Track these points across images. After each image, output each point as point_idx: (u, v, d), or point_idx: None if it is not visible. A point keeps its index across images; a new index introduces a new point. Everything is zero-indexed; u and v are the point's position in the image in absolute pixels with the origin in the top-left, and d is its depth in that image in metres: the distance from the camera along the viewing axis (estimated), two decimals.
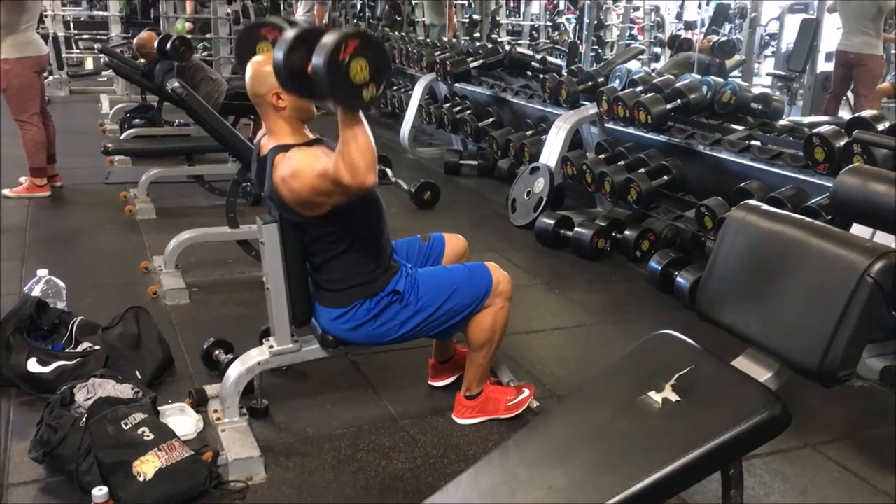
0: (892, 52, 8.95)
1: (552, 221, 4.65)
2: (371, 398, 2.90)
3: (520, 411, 2.73)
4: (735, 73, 8.44)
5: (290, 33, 2.16)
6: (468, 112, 6.53)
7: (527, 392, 2.77)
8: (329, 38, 2.01)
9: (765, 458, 2.55)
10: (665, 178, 4.44)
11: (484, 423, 2.71)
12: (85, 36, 11.65)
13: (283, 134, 2.39)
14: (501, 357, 2.87)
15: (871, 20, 6.91)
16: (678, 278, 3.79)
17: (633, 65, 6.93)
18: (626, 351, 2.08)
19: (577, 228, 4.56)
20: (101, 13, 11.97)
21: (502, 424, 2.70)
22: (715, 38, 8.90)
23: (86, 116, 8.27)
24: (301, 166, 2.26)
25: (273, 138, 2.41)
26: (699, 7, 14.35)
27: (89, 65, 11.19)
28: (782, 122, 4.58)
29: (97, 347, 2.89)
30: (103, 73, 10.14)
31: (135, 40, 6.48)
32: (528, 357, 3.26)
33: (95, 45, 8.80)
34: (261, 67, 2.40)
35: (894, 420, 2.88)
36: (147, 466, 2.18)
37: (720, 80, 4.83)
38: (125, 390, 2.50)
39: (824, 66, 8.08)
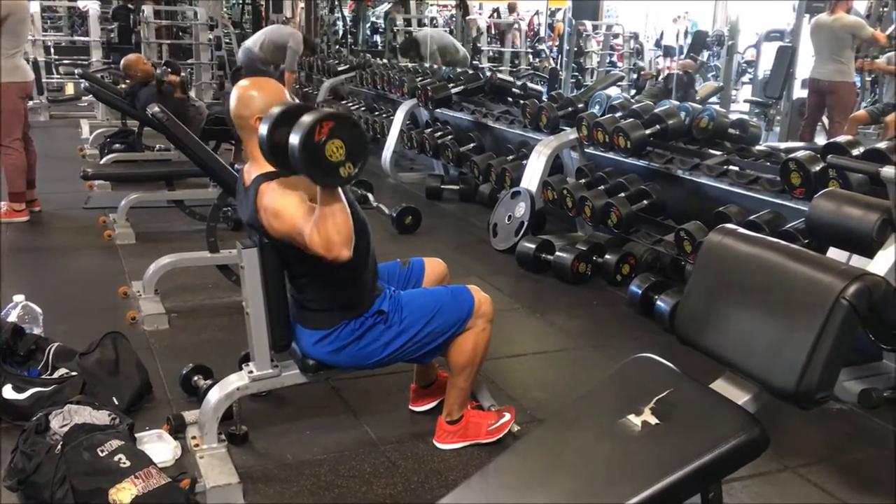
0: (867, 79, 9.12)
1: (533, 246, 4.67)
2: (352, 423, 2.89)
3: (501, 436, 2.72)
4: (713, 99, 8.56)
5: (275, 109, 2.20)
6: (449, 137, 6.56)
7: (508, 416, 2.77)
8: (305, 119, 2.05)
9: (744, 480, 2.55)
10: (645, 202, 4.48)
11: (465, 447, 2.70)
12: (65, 61, 11.62)
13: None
14: (483, 381, 2.87)
15: (843, 48, 7.03)
16: (658, 302, 3.81)
17: (613, 91, 7.03)
18: (606, 375, 2.08)
19: (558, 253, 4.57)
20: (81, 38, 11.97)
21: (483, 449, 2.69)
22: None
23: (66, 141, 8.22)
24: (284, 210, 2.26)
25: (255, 164, 2.41)
26: (677, 35, 14.58)
27: (70, 90, 11.15)
28: (759, 147, 4.63)
29: (74, 373, 2.85)
30: (83, 98, 10.11)
31: (122, 61, 6.47)
32: (509, 381, 3.25)
33: (76, 71, 8.76)
34: (246, 91, 2.41)
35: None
36: (123, 494, 2.15)
37: (698, 106, 4.89)
38: (102, 417, 2.47)
39: (800, 92, 8.22)
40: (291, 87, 9.01)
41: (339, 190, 2.15)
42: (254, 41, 8.85)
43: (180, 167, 5.26)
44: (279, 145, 2.14)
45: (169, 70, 6.18)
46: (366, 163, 2.14)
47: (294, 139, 2.04)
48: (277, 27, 9.48)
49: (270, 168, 2.35)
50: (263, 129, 2.18)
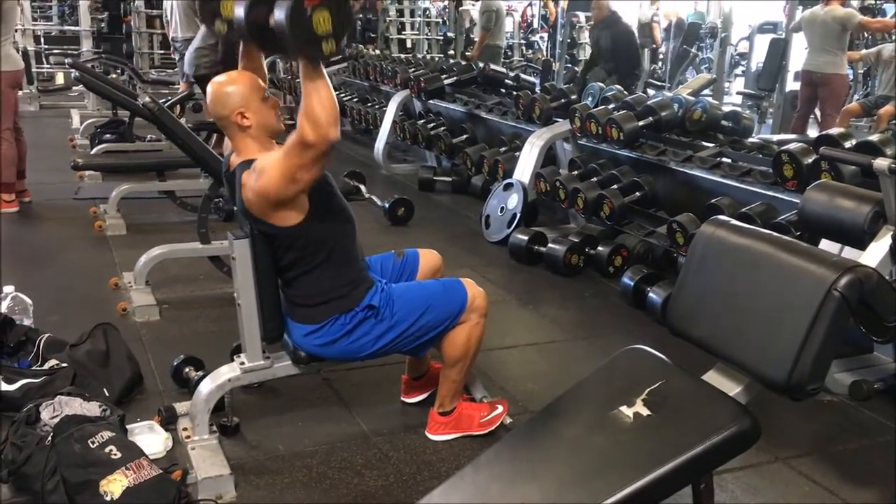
0: (860, 71, 9.14)
1: (526, 238, 4.67)
2: (343, 415, 2.88)
3: (493, 428, 2.72)
4: (706, 91, 8.56)
5: None
6: (442, 129, 6.55)
7: (500, 408, 2.77)
8: None
9: (736, 472, 2.56)
10: (637, 194, 4.48)
11: (457, 439, 2.69)
12: (56, 51, 11.56)
13: (251, 151, 2.37)
14: (475, 373, 2.86)
15: (836, 40, 7.05)
16: (650, 294, 3.82)
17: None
18: (598, 366, 2.08)
19: (550, 245, 4.57)
20: (72, 28, 11.90)
21: (475, 441, 2.69)
22: None
23: (56, 131, 8.18)
24: (265, 163, 2.25)
25: (240, 154, 2.40)
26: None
27: (60, 80, 11.09)
28: (752, 139, 4.64)
29: (64, 365, 2.84)
30: (74, 88, 10.05)
31: None
32: (501, 373, 3.25)
33: (66, 60, 8.71)
34: (221, 88, 2.38)
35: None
36: (114, 486, 2.14)
37: (690, 98, 4.89)
38: (93, 408, 2.46)
39: (793, 85, 8.23)
40: None
41: (322, 67, 2.12)
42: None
43: (171, 158, 5.24)
44: (257, 23, 2.11)
45: None
46: (347, 43, 2.11)
47: (280, 8, 2.01)
48: None
49: (254, 156, 2.33)
50: (240, 8, 2.14)
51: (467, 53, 11.54)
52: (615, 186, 4.53)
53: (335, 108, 2.13)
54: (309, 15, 2.00)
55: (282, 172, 2.21)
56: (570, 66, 11.25)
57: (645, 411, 1.81)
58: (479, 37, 10.25)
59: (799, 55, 7.86)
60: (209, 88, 2.40)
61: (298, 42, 2.04)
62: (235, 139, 2.40)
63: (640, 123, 4.50)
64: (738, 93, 10.49)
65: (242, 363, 2.54)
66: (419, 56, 10.47)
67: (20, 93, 6.61)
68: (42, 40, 11.72)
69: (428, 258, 2.85)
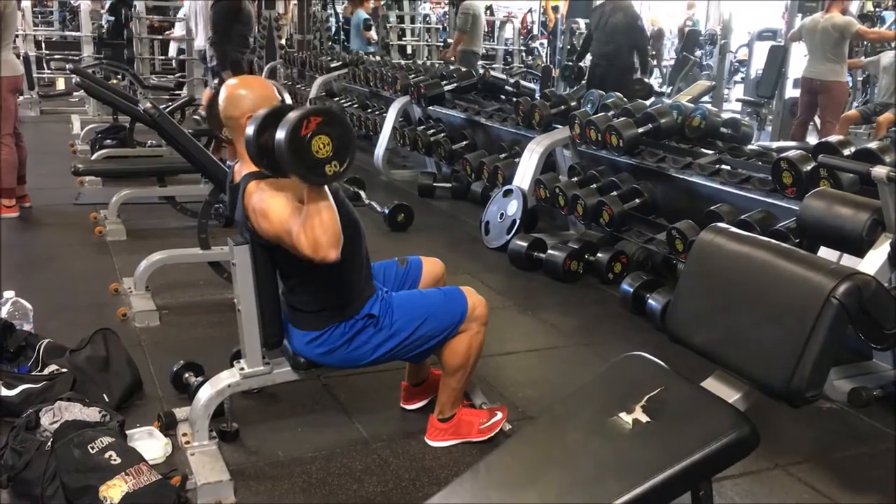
0: (859, 78, 9.17)
1: (525, 244, 4.67)
2: (343, 421, 2.88)
3: (492, 434, 2.72)
4: (705, 98, 8.58)
5: (262, 111, 2.19)
6: (442, 135, 6.55)
7: (500, 415, 2.77)
8: (292, 115, 2.04)
9: (735, 479, 2.56)
10: (637, 201, 4.48)
11: (456, 445, 2.70)
12: (56, 56, 11.58)
13: None
14: (474, 379, 2.86)
15: (835, 47, 7.06)
16: (650, 300, 3.82)
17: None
18: (597, 373, 2.09)
19: (550, 251, 4.58)
20: (73, 33, 11.92)
21: (474, 447, 2.69)
22: None
23: (56, 137, 8.19)
24: (272, 212, 2.25)
25: (245, 163, 2.40)
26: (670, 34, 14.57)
27: (61, 85, 11.11)
28: (751, 146, 4.65)
29: (64, 370, 2.84)
30: (74, 93, 10.07)
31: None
32: (501, 379, 3.25)
33: (67, 66, 8.72)
34: (235, 90, 2.40)
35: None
36: (114, 491, 2.14)
37: (690, 105, 4.90)
38: (92, 414, 2.47)
39: (792, 92, 8.25)
40: None
41: (326, 189, 2.14)
42: None
43: (171, 163, 5.23)
44: (266, 147, 2.13)
45: None
46: (353, 161, 2.13)
47: (280, 134, 2.03)
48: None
49: (258, 169, 2.34)
50: (250, 130, 2.17)
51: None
52: (615, 193, 4.53)
53: (337, 230, 2.14)
54: (308, 140, 2.02)
55: (279, 235, 2.24)
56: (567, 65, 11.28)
57: (644, 418, 1.81)
58: (455, 38, 10.34)
59: (798, 62, 7.88)
60: (222, 90, 2.41)
61: (298, 167, 2.06)
62: (241, 143, 2.41)
63: (640, 130, 4.51)
64: (738, 100, 10.51)
65: (242, 369, 2.54)
66: (419, 62, 10.49)
67: (20, 98, 6.63)
68: (43, 45, 11.74)
69: (431, 266, 2.85)
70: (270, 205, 2.26)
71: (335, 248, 2.14)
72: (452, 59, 9.69)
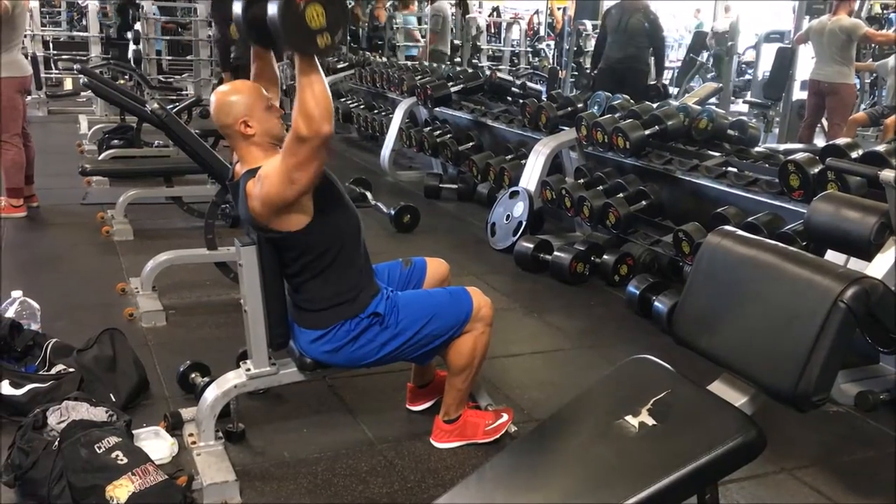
0: (867, 81, 9.14)
1: (531, 246, 4.67)
2: (348, 422, 2.89)
3: (498, 436, 2.72)
4: (712, 100, 8.56)
5: None
6: (448, 136, 6.56)
7: (505, 417, 2.77)
8: None
9: (741, 482, 2.55)
10: (643, 203, 4.48)
11: (462, 447, 2.69)
12: (64, 56, 11.62)
13: (255, 159, 2.38)
14: (480, 381, 2.86)
15: (843, 49, 7.05)
16: (656, 303, 3.81)
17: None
18: (603, 375, 2.09)
19: (556, 253, 4.57)
20: (80, 34, 11.96)
21: (480, 449, 2.69)
22: None
23: (64, 137, 8.21)
24: (267, 170, 2.27)
25: (245, 165, 2.41)
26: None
27: (68, 85, 11.15)
28: (758, 149, 4.64)
29: (71, 370, 2.85)
30: (82, 93, 10.09)
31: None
32: (506, 381, 3.25)
33: (74, 66, 8.74)
34: (224, 97, 2.39)
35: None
36: (120, 491, 2.15)
37: (696, 107, 4.89)
38: (99, 413, 2.47)
39: (800, 94, 8.24)
40: None
41: (317, 62, 2.13)
42: None
43: (178, 164, 5.25)
44: (256, 19, 2.12)
45: None
46: (344, 35, 2.13)
47: (273, 3, 2.02)
48: None
49: (258, 164, 2.34)
50: (238, 4, 2.15)
51: (473, 61, 11.60)
52: (621, 195, 4.53)
53: (329, 103, 2.14)
54: (302, 9, 2.02)
55: (280, 176, 2.22)
56: (576, 74, 11.27)
57: (650, 421, 1.81)
58: (428, 38, 10.91)
59: (806, 64, 7.86)
60: (212, 98, 2.42)
61: (291, 36, 2.06)
62: (240, 148, 2.41)
63: (647, 132, 4.51)
64: (745, 102, 10.48)
65: (248, 369, 2.55)
66: (425, 63, 10.50)
67: (28, 98, 6.66)
68: (51, 46, 11.77)
69: (435, 267, 2.85)
70: (264, 169, 2.27)
71: (328, 122, 2.13)
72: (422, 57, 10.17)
